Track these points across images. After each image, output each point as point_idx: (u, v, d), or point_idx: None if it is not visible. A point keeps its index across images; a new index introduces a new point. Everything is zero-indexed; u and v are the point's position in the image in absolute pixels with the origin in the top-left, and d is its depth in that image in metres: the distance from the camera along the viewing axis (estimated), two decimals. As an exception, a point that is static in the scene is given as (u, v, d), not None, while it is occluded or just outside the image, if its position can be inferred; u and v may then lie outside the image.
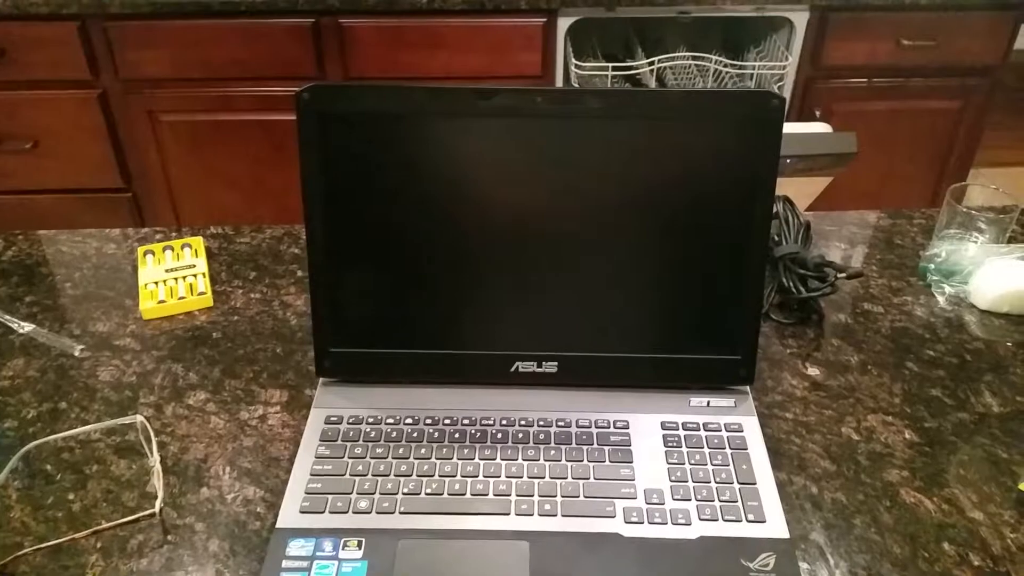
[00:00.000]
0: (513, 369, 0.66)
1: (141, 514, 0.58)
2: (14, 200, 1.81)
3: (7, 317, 0.76)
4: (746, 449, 0.61)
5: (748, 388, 0.67)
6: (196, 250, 0.85)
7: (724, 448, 0.61)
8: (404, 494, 0.58)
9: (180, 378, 0.71)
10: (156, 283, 0.80)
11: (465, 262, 0.64)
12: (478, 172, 0.61)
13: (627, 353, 0.65)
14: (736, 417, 0.64)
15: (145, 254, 0.84)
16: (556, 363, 0.65)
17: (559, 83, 1.75)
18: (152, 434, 0.63)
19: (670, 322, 0.65)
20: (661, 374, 0.66)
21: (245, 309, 0.79)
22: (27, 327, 0.75)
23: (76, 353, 0.73)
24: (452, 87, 0.60)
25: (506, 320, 0.65)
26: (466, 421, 0.63)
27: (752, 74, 1.78)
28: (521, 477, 0.59)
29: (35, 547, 0.56)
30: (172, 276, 0.81)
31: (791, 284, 0.78)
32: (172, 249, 0.85)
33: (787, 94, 1.77)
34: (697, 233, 0.63)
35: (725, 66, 1.74)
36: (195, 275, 0.81)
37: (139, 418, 0.64)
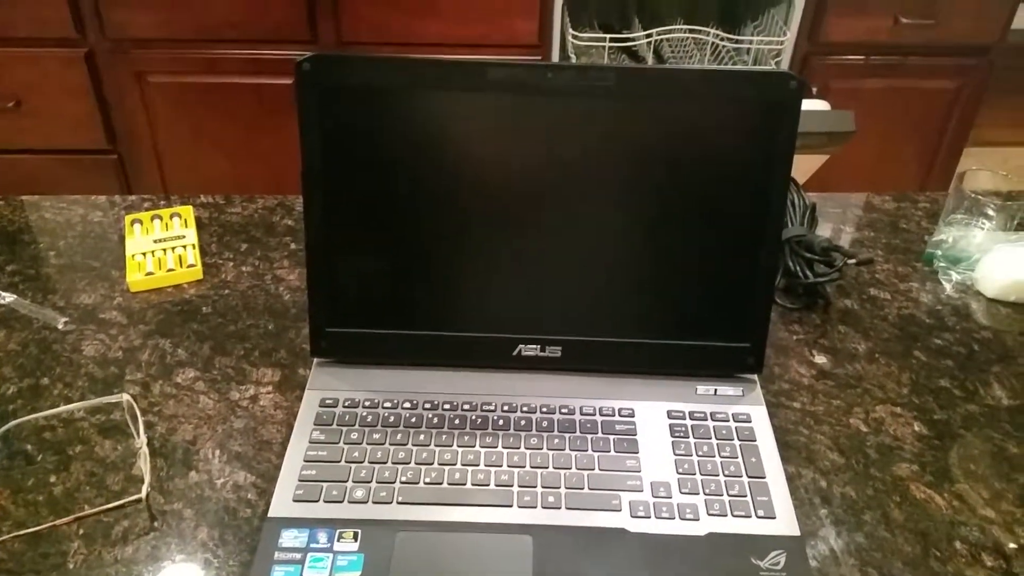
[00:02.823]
0: (515, 353, 0.63)
1: (127, 499, 0.56)
2: (-6, 160, 1.76)
3: (-14, 287, 0.73)
4: (755, 441, 0.60)
5: (756, 377, 0.65)
6: (185, 220, 0.82)
7: (732, 439, 0.60)
8: (402, 483, 0.56)
9: (168, 354, 0.68)
10: (144, 254, 0.77)
11: (468, 241, 0.61)
12: (483, 149, 0.58)
13: (633, 339, 0.63)
14: (744, 407, 0.62)
15: (133, 223, 0.81)
16: (560, 347, 0.63)
17: (555, 53, 1.71)
18: (139, 413, 0.61)
19: (678, 307, 0.63)
20: (667, 361, 0.64)
21: (236, 283, 0.76)
22: (8, 297, 0.72)
23: (60, 326, 0.70)
24: (459, 59, 0.57)
25: (509, 302, 0.63)
26: (466, 406, 0.61)
27: (749, 49, 1.74)
28: (524, 467, 0.57)
29: (14, 534, 0.53)
30: (161, 247, 0.77)
31: (797, 268, 0.76)
32: (161, 218, 0.82)
33: (783, 69, 1.73)
34: (708, 217, 0.60)
35: (722, 40, 1.70)
36: (184, 246, 0.78)
37: (125, 396, 0.61)
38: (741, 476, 0.57)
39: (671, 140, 0.58)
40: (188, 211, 0.83)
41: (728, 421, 0.61)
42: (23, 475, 0.58)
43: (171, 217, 0.82)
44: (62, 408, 0.62)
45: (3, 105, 1.66)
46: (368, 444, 0.58)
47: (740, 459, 0.58)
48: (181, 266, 0.76)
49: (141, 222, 0.81)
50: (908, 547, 0.55)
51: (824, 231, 0.87)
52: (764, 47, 1.73)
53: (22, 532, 0.53)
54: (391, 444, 0.58)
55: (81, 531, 0.54)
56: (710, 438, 0.60)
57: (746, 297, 0.62)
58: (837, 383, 0.68)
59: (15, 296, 0.72)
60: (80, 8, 1.58)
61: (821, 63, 1.75)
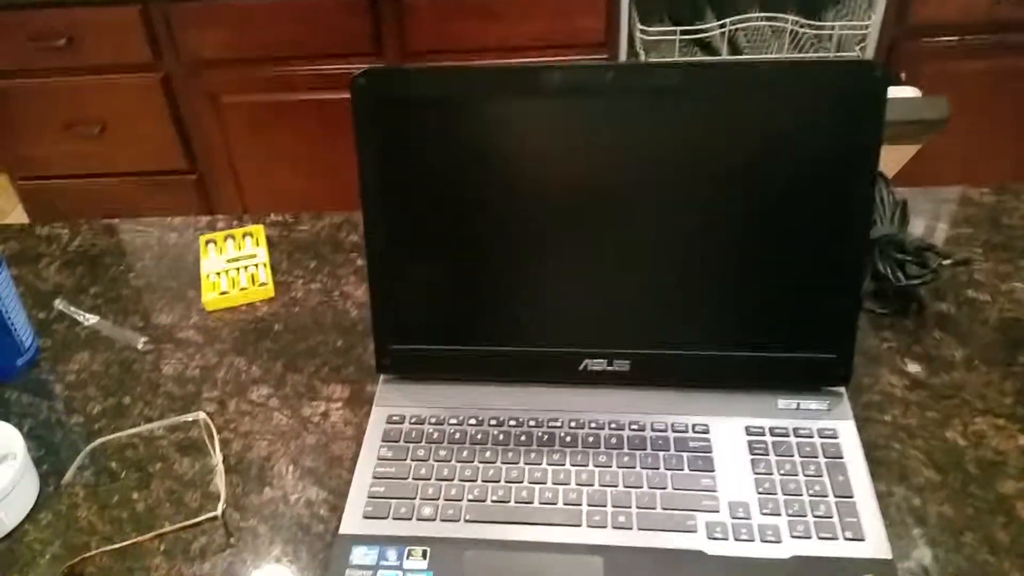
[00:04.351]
0: (582, 367, 0.62)
1: (204, 516, 0.57)
2: (84, 184, 1.85)
3: (73, 309, 0.76)
4: (842, 458, 0.56)
5: (843, 389, 0.61)
6: (257, 239, 0.83)
7: (817, 457, 0.56)
8: (469, 501, 0.55)
9: (243, 372, 0.69)
10: (218, 273, 0.78)
11: (531, 253, 0.60)
12: (544, 156, 0.57)
13: (707, 351, 0.60)
14: (830, 422, 0.59)
15: (207, 243, 0.83)
16: (628, 361, 0.61)
17: (623, 50, 1.68)
18: (215, 431, 0.62)
19: (757, 316, 0.60)
20: (745, 373, 0.61)
21: (306, 300, 0.77)
22: (92, 319, 0.75)
23: (139, 346, 0.72)
24: (516, 65, 0.56)
25: (574, 315, 0.61)
26: (532, 423, 0.60)
27: (831, 35, 1.67)
28: (592, 485, 0.55)
29: (101, 549, 0.55)
30: (234, 266, 0.79)
31: (888, 270, 0.72)
32: (233, 238, 0.83)
33: (870, 55, 1.65)
34: (788, 218, 0.57)
35: (802, 27, 1.63)
36: (256, 265, 0.79)
37: (202, 415, 0.63)
38: (827, 495, 0.54)
39: (745, 138, 0.55)
40: (259, 230, 0.84)
41: (812, 437, 0.58)
42: (108, 492, 0.60)
43: (243, 237, 0.83)
44: (143, 427, 0.64)
45: (90, 131, 1.75)
46: (435, 461, 0.58)
47: (826, 477, 0.55)
48: (253, 284, 0.77)
49: (215, 242, 0.83)
50: (1016, 572, 0.50)
51: (916, 229, 0.82)
52: (847, 32, 1.65)
53: (109, 548, 0.55)
54: (457, 461, 0.57)
55: (162, 547, 0.55)
56: (793, 455, 0.56)
57: (832, 303, 0.58)
58: (932, 394, 0.64)
59: (98, 318, 0.75)
60: (156, 32, 1.64)
61: (911, 47, 1.66)
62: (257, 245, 0.82)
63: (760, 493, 0.54)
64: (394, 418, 0.61)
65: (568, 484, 0.55)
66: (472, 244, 0.60)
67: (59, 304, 0.76)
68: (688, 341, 0.61)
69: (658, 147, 0.56)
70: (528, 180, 0.58)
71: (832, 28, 1.65)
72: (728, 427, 0.59)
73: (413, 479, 0.57)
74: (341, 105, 1.73)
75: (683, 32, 1.65)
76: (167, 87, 1.71)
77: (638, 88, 0.55)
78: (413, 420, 0.61)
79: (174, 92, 1.73)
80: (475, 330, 0.62)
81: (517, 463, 0.57)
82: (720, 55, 1.70)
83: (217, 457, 0.60)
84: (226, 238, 0.83)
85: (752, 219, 0.57)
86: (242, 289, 0.77)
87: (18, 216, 2.19)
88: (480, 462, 0.57)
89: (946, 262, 0.69)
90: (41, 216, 1.91)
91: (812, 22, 1.64)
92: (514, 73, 0.56)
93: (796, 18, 1.62)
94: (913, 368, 0.66)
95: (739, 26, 1.66)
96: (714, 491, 0.54)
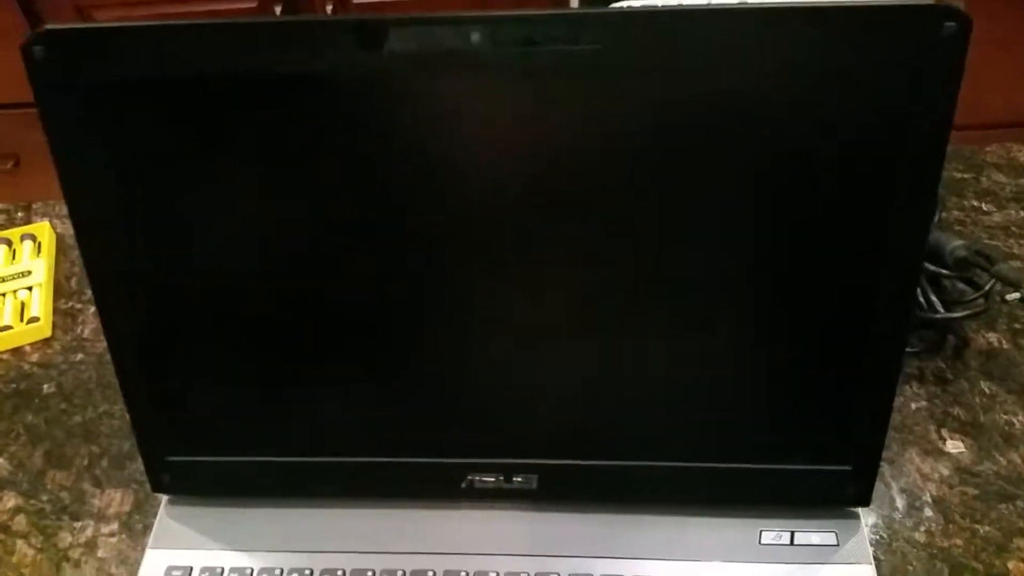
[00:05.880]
0: (465, 484, 0.40)
1: None
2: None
3: None
4: (857, 637, 0.36)
5: (860, 511, 0.41)
6: (40, 244, 0.59)
7: (820, 638, 0.36)
8: None
9: (-16, 468, 0.47)
10: (-27, 302, 0.55)
11: (377, 312, 0.37)
12: (381, 161, 0.34)
13: (653, 460, 0.39)
14: (840, 568, 0.38)
15: (-30, 251, 0.59)
16: (535, 475, 0.40)
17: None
18: (-94, 592, 0.41)
19: (729, 407, 0.38)
20: (711, 492, 0.40)
21: (95, 342, 0.54)
22: None
23: None
24: (320, 19, 0.31)
25: (449, 406, 0.39)
26: (388, 579, 0.39)
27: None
28: None
29: None
30: (-3, 290, 0.56)
31: (918, 294, 0.50)
32: (9, 243, 0.59)
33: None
34: (793, 253, 0.35)
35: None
36: (30, 288, 0.56)
37: None
38: None
39: (726, 133, 0.32)
40: (45, 230, 0.60)
41: (812, 597, 0.38)
42: None
43: (22, 240, 0.59)
44: None
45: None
46: (231, 652, 0.37)
47: (833, 671, 0.35)
48: (21, 321, 0.54)
49: (-19, 249, 0.59)
50: None
51: (947, 216, 0.59)
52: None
53: None
54: (265, 655, 0.37)
55: None
56: (782, 634, 0.36)
57: (849, 390, 0.37)
58: (983, 490, 0.44)
59: None
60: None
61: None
62: (38, 254, 0.59)
63: None
64: (175, 573, 0.40)
65: None
66: (284, 299, 0.37)
67: None
68: (626, 445, 0.39)
69: (581, 144, 0.33)
70: (359, 198, 0.35)
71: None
72: (685, 581, 0.38)
73: None
74: (245, 15, 1.43)
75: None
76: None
77: (547, 57, 0.31)
78: (203, 577, 0.39)
79: (34, 5, 1.42)
80: (298, 430, 0.40)
81: (355, 658, 0.37)
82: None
83: (-96, 638, 0.39)
84: (-1, 242, 0.59)
85: (735, 255, 0.35)
86: (4, 328, 0.53)
87: None
88: (298, 656, 0.37)
89: (1012, 296, 0.47)
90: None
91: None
92: (312, 29, 0.31)
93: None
94: (954, 446, 0.46)
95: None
96: None
